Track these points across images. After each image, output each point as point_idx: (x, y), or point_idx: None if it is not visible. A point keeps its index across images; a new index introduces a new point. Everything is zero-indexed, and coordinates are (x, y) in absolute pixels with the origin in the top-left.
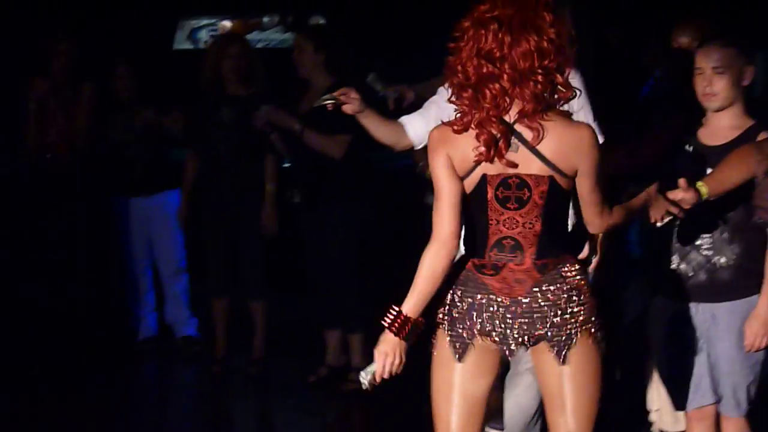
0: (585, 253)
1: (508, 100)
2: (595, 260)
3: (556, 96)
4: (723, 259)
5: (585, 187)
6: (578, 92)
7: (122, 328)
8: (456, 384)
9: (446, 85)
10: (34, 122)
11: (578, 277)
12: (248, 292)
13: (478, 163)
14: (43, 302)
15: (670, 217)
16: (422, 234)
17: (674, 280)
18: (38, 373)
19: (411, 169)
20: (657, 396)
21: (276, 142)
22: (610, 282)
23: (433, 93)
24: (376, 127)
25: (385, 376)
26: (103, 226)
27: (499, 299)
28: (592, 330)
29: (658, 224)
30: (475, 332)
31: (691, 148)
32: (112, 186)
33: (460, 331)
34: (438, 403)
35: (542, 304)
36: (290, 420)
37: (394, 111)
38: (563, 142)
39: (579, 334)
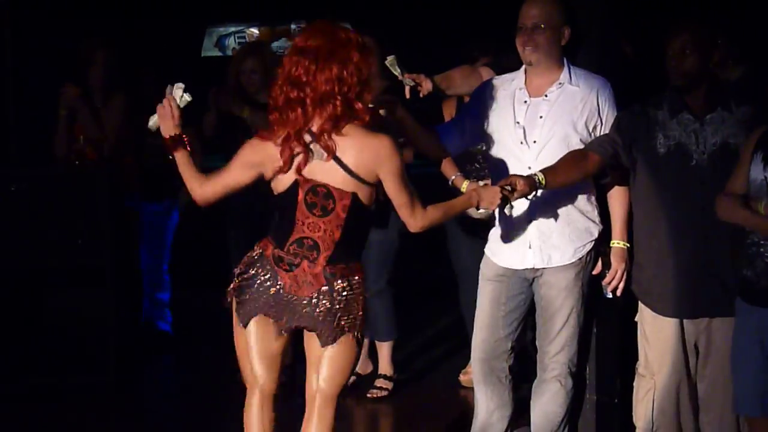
0: (598, 269)
1: (308, 121)
2: (609, 275)
3: (354, 120)
4: None
5: (390, 191)
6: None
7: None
8: (249, 344)
9: (476, 90)
10: (64, 128)
11: (359, 290)
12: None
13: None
14: (73, 310)
15: (505, 204)
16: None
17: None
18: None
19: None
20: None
21: None
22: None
23: (450, 84)
24: (414, 135)
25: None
26: (129, 232)
27: (287, 295)
28: (352, 336)
29: (490, 209)
30: (257, 309)
31: None
32: (134, 191)
33: (246, 303)
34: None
35: (320, 308)
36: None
37: (409, 100)
38: (363, 153)
39: (342, 336)
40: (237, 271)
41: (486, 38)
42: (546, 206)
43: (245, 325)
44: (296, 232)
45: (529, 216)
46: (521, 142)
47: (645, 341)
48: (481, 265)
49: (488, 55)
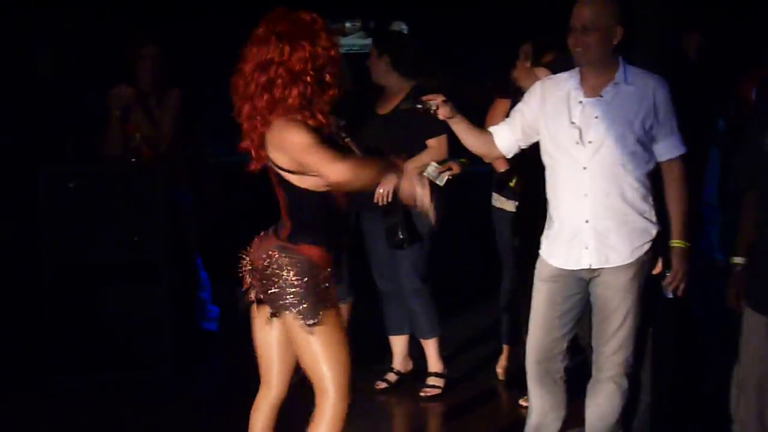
0: (659, 268)
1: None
2: (670, 275)
3: (325, 95)
4: None
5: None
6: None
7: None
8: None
9: (531, 90)
10: (117, 128)
11: (293, 270)
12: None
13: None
14: (129, 306)
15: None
16: (492, 239)
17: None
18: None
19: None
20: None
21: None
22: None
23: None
24: (466, 134)
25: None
26: (183, 229)
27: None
28: (296, 318)
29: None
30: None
31: None
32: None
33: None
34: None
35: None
36: (363, 425)
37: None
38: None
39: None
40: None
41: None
42: (601, 206)
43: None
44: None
45: (584, 216)
46: (576, 143)
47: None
48: (537, 266)
49: (552, 50)
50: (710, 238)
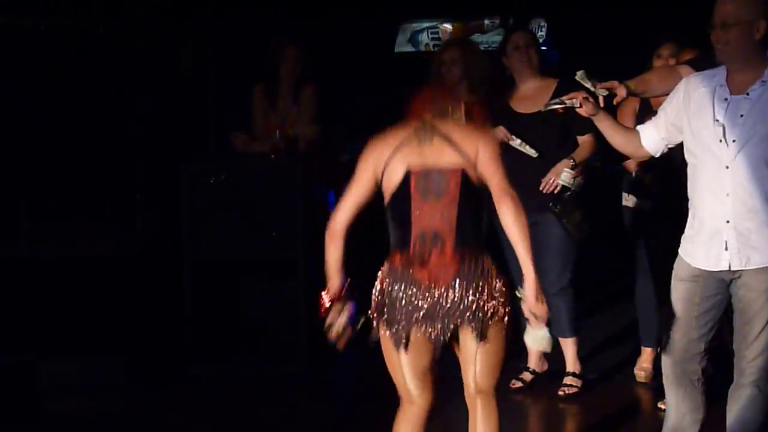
0: None
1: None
2: None
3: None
4: None
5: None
6: None
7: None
8: (401, 362)
9: (675, 88)
10: (260, 127)
11: (491, 275)
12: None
13: None
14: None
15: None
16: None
17: None
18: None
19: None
20: None
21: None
22: None
23: (647, 88)
24: (612, 132)
25: None
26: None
27: (428, 292)
28: (500, 328)
29: None
30: (406, 324)
31: None
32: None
33: (393, 321)
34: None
35: (465, 297)
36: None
37: (606, 108)
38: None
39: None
40: (373, 292)
41: (678, 32)
42: (743, 206)
43: (398, 347)
44: (415, 228)
45: (725, 216)
46: (720, 140)
47: None
48: (675, 266)
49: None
50: None
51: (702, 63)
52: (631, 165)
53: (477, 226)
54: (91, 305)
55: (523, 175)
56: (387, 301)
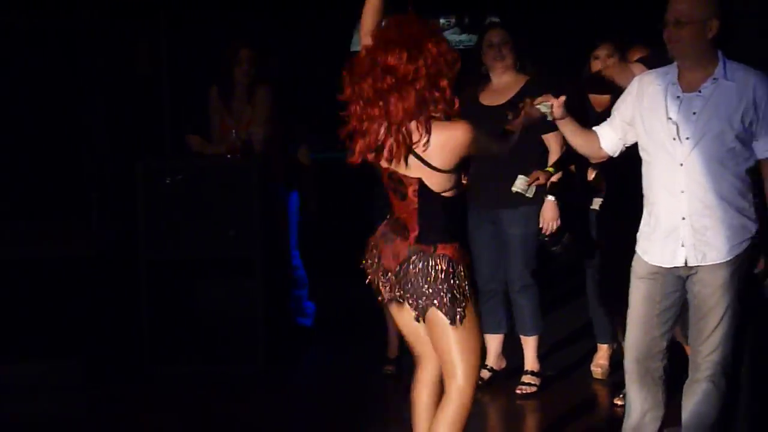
0: (761, 266)
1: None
2: None
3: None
4: None
5: None
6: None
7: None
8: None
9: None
10: (216, 127)
11: (440, 268)
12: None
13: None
14: (225, 300)
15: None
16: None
17: None
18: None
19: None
20: None
21: None
22: None
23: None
24: (574, 136)
25: None
26: (279, 224)
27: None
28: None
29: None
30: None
31: None
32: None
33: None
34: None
35: (406, 280)
36: None
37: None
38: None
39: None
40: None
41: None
42: (699, 203)
43: (383, 300)
44: (393, 213)
45: (681, 213)
46: (674, 138)
47: None
48: (633, 264)
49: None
50: None
51: (655, 61)
52: (590, 172)
53: (442, 224)
54: (48, 306)
55: (485, 171)
56: (372, 261)
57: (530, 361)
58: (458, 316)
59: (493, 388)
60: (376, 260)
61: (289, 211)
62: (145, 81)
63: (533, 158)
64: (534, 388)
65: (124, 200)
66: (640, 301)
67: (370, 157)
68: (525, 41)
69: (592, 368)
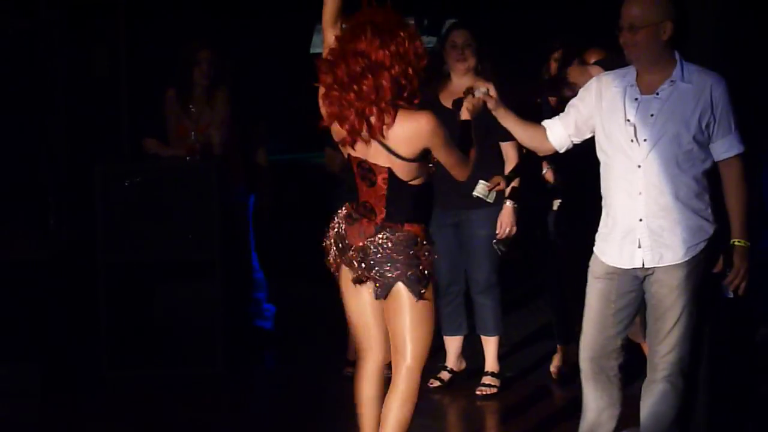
0: (719, 268)
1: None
2: (731, 274)
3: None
4: None
5: (440, 159)
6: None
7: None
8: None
9: (586, 86)
10: (173, 130)
11: (405, 243)
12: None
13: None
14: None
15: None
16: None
17: None
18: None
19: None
20: None
21: None
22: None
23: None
24: (516, 128)
25: None
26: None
27: (345, 241)
28: (408, 290)
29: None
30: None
31: None
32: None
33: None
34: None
35: (368, 257)
36: (419, 423)
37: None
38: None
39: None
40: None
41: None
42: (656, 205)
43: (337, 271)
44: (360, 197)
45: (638, 214)
46: (631, 140)
47: None
48: (590, 263)
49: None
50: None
51: (612, 63)
52: (549, 176)
53: (410, 208)
54: (4, 311)
55: (447, 173)
56: (335, 241)
57: (490, 363)
58: (421, 294)
59: (453, 390)
60: (339, 240)
61: (247, 214)
62: (104, 83)
63: (494, 164)
64: (494, 389)
65: (82, 203)
66: (596, 300)
67: (344, 149)
68: (489, 45)
69: (552, 369)
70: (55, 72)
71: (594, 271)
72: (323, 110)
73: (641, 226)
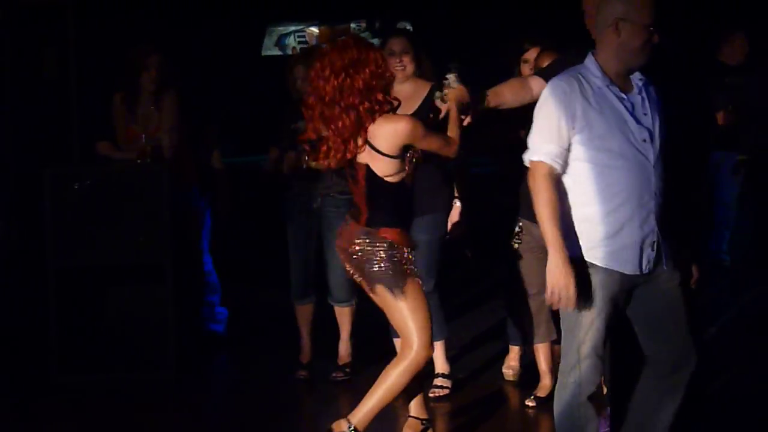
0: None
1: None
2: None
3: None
4: None
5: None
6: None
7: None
8: None
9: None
10: (122, 134)
11: (380, 247)
12: (335, 297)
13: None
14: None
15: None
16: (501, 241)
17: None
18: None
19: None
20: None
21: None
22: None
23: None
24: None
25: None
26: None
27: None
28: (385, 288)
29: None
30: None
31: None
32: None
33: None
34: None
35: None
36: (371, 425)
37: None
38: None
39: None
40: None
41: (537, 31)
42: (665, 206)
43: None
44: (353, 198)
45: (655, 218)
46: (644, 140)
47: None
48: (590, 271)
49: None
50: (721, 240)
51: (553, 71)
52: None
53: (389, 208)
54: None
55: None
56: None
57: (440, 364)
58: (400, 289)
59: (405, 393)
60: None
61: (201, 217)
62: (53, 85)
63: (440, 179)
64: (446, 391)
65: (31, 207)
66: (604, 303)
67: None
68: (425, 48)
69: (504, 370)
70: (3, 74)
71: (596, 278)
72: (309, 126)
73: (657, 229)
